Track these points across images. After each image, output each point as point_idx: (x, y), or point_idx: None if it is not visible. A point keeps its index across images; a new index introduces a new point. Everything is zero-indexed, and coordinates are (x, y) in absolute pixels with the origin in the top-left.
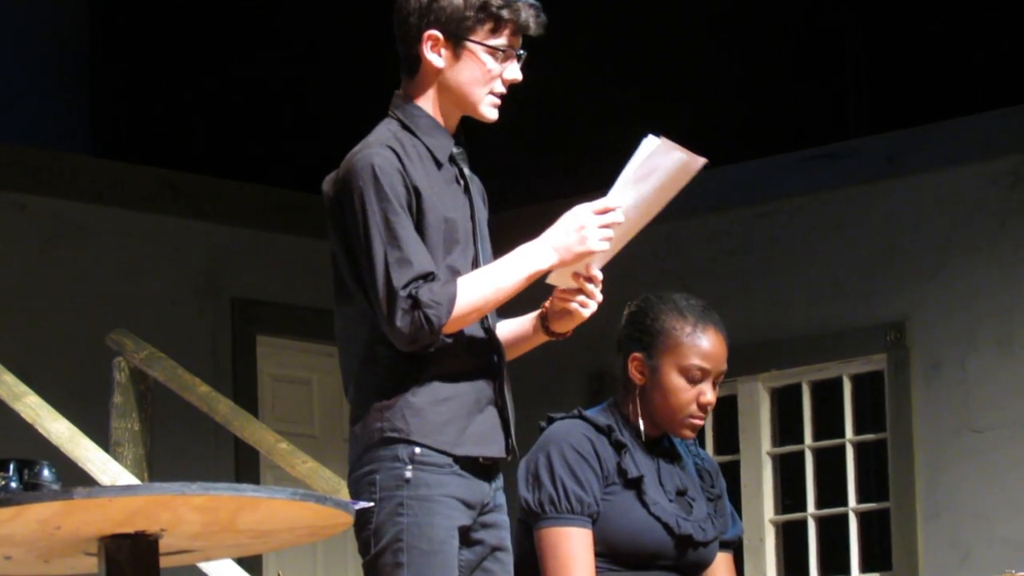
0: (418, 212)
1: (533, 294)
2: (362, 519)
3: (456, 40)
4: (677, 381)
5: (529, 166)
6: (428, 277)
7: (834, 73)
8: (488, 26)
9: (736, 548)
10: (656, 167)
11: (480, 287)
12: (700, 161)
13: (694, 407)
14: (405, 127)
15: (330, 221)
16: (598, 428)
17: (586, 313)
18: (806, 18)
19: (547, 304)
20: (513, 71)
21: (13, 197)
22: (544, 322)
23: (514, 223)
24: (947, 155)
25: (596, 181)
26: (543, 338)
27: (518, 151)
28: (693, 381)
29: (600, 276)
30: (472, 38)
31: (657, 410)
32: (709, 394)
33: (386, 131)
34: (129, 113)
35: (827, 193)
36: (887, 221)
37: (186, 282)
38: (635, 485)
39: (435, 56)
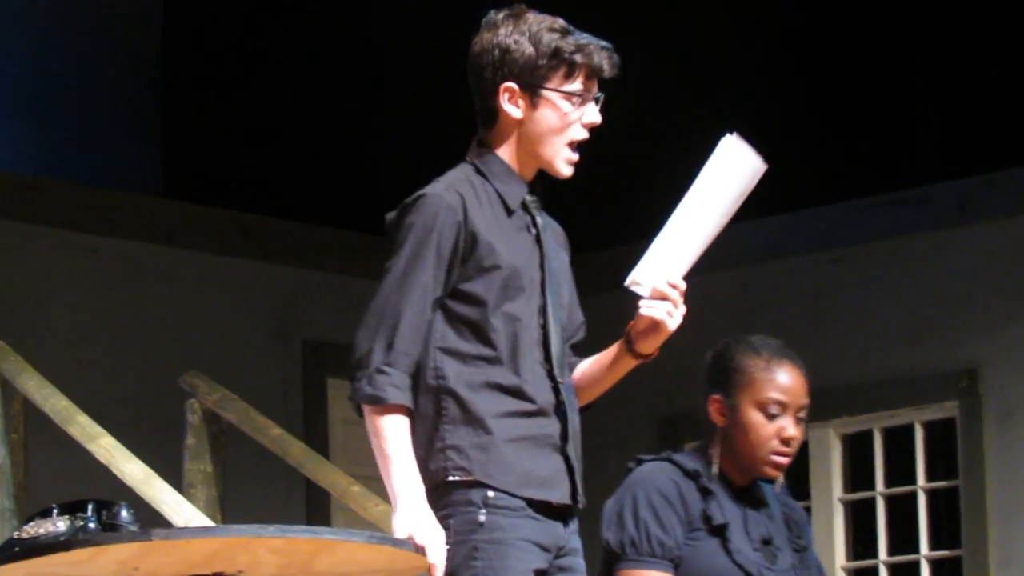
0: (473, 258)
1: (607, 322)
2: None
3: (532, 90)
4: (756, 417)
5: (604, 208)
6: (400, 360)
7: (906, 119)
8: (562, 72)
9: None
10: (732, 167)
11: (383, 439)
12: (763, 165)
13: (775, 443)
14: (479, 171)
15: (388, 250)
16: (686, 472)
17: (672, 325)
18: (877, 65)
19: (631, 326)
20: (592, 114)
21: (85, 239)
22: (629, 345)
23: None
24: (1019, 201)
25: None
26: (629, 363)
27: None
28: (772, 416)
29: (683, 285)
30: (547, 86)
31: (740, 450)
32: (791, 429)
33: (459, 174)
34: (200, 155)
35: (899, 239)
36: (959, 268)
37: (257, 324)
38: (720, 532)
39: (513, 108)
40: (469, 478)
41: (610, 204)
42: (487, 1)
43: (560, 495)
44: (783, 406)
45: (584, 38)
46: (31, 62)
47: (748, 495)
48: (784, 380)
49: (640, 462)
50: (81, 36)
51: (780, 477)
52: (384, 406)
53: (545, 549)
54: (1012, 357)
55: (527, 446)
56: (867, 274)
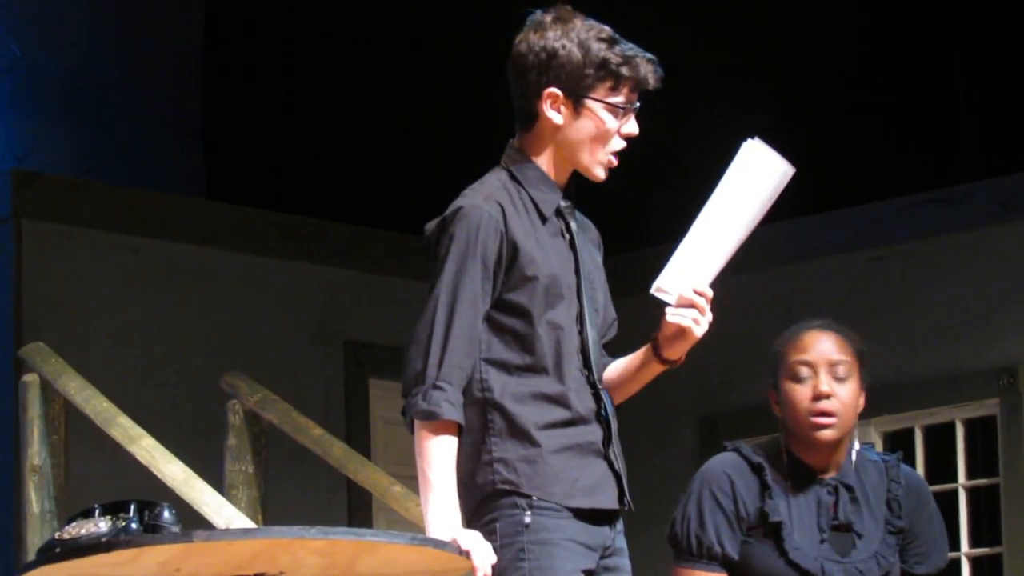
0: (515, 268)
1: (637, 321)
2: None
3: (576, 98)
4: (790, 387)
5: (636, 212)
6: (454, 376)
7: (947, 118)
8: (608, 84)
9: None
10: (755, 172)
11: (428, 459)
12: (790, 168)
13: (809, 403)
14: (514, 178)
15: (430, 263)
16: (751, 465)
17: (699, 332)
18: (918, 63)
19: (658, 332)
20: (631, 126)
21: (127, 240)
22: (656, 350)
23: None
24: None
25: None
26: (657, 368)
27: (628, 194)
28: (802, 379)
29: (710, 292)
30: (592, 96)
31: (792, 428)
32: (824, 385)
33: (496, 181)
34: (242, 156)
35: (940, 238)
36: (1000, 266)
37: (299, 325)
38: (775, 531)
39: (554, 113)
40: (517, 490)
41: (641, 205)
42: (527, 1)
43: (607, 500)
44: (810, 366)
45: (631, 49)
46: (74, 63)
47: (828, 480)
48: (807, 341)
49: (725, 449)
50: (123, 37)
51: (857, 446)
52: (437, 423)
53: (592, 549)
54: None
55: (572, 455)
56: (907, 272)
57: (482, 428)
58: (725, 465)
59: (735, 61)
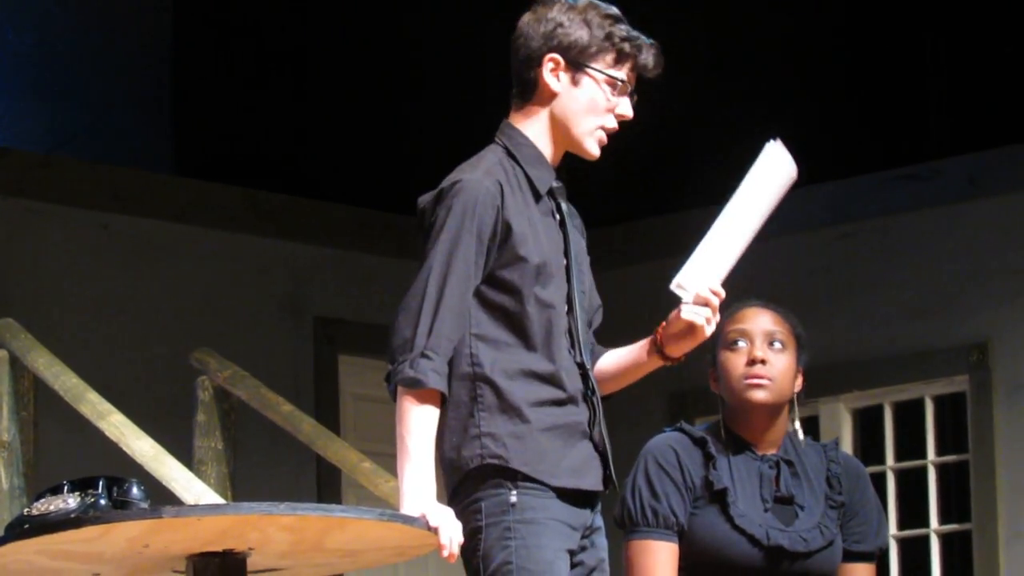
0: (508, 246)
1: (626, 324)
2: (471, 546)
3: (577, 66)
4: (725, 356)
5: (618, 185)
6: (442, 346)
7: (917, 94)
8: (610, 57)
9: (879, 561)
10: (774, 173)
11: (409, 427)
12: (795, 172)
13: (744, 368)
14: (510, 155)
15: (422, 236)
16: (693, 439)
17: (708, 331)
18: (888, 39)
19: (661, 328)
20: (625, 107)
21: (97, 216)
22: (659, 347)
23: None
24: None
25: (681, 201)
26: (657, 363)
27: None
28: (737, 348)
29: (724, 293)
30: (593, 65)
31: (728, 397)
32: (758, 351)
33: (492, 157)
34: (212, 132)
35: (910, 214)
36: (970, 242)
37: (269, 301)
38: (720, 498)
39: (553, 79)
40: (505, 465)
41: (634, 177)
42: None
43: (592, 482)
44: (746, 335)
45: (636, 32)
46: (41, 39)
47: (771, 455)
48: (744, 314)
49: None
50: (91, 12)
51: (798, 428)
52: (422, 391)
53: (575, 529)
54: (1022, 331)
55: (560, 435)
56: (877, 249)
57: (471, 402)
58: (668, 440)
59: (706, 37)
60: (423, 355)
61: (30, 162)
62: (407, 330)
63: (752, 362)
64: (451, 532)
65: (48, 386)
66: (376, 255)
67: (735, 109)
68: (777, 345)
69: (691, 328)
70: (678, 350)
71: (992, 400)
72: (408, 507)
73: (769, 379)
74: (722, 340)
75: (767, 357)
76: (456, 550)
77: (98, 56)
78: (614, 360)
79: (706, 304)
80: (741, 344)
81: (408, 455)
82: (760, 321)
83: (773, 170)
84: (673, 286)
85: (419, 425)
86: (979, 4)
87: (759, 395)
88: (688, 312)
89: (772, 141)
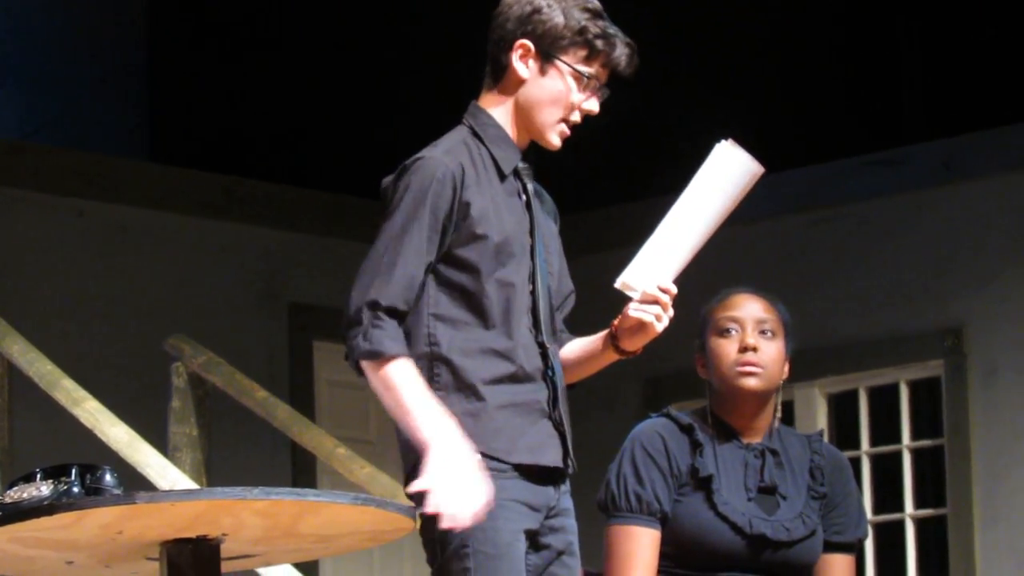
0: (466, 224)
1: (601, 310)
2: (428, 526)
3: (546, 56)
4: (716, 342)
5: (590, 171)
6: (392, 313)
7: (891, 79)
8: (582, 52)
9: (859, 551)
10: (726, 173)
11: (394, 388)
12: (760, 168)
13: (736, 355)
14: (475, 134)
15: (384, 212)
16: (680, 426)
17: (659, 327)
18: (862, 25)
19: (616, 322)
20: (591, 104)
21: (72, 202)
22: (614, 340)
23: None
24: (1004, 160)
25: (652, 186)
26: (613, 356)
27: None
28: (728, 335)
29: (674, 290)
30: (562, 57)
31: (719, 384)
32: (750, 339)
33: (457, 137)
34: (187, 119)
35: (884, 199)
36: (944, 227)
37: (244, 288)
38: (705, 485)
39: (522, 66)
40: None
41: (609, 163)
42: None
43: (550, 458)
44: (737, 322)
45: (613, 29)
46: (14, 24)
47: (757, 444)
48: (735, 301)
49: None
50: None
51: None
52: (384, 359)
53: (535, 508)
54: (996, 316)
55: (517, 412)
56: (851, 234)
57: (428, 382)
58: (656, 426)
59: (681, 29)
60: (374, 325)
61: (4, 148)
62: (357, 302)
63: (744, 349)
64: (478, 496)
65: (23, 372)
66: (351, 241)
67: (711, 94)
68: (768, 332)
69: (641, 324)
70: (632, 344)
71: (967, 385)
72: (438, 457)
73: (761, 367)
74: (712, 326)
75: (758, 344)
76: (467, 523)
77: (72, 42)
78: (577, 348)
79: (655, 302)
80: (733, 331)
81: (410, 407)
82: (751, 308)
83: (725, 170)
84: (618, 284)
85: (402, 380)
86: None
87: (751, 382)
88: (635, 310)
89: (723, 141)
